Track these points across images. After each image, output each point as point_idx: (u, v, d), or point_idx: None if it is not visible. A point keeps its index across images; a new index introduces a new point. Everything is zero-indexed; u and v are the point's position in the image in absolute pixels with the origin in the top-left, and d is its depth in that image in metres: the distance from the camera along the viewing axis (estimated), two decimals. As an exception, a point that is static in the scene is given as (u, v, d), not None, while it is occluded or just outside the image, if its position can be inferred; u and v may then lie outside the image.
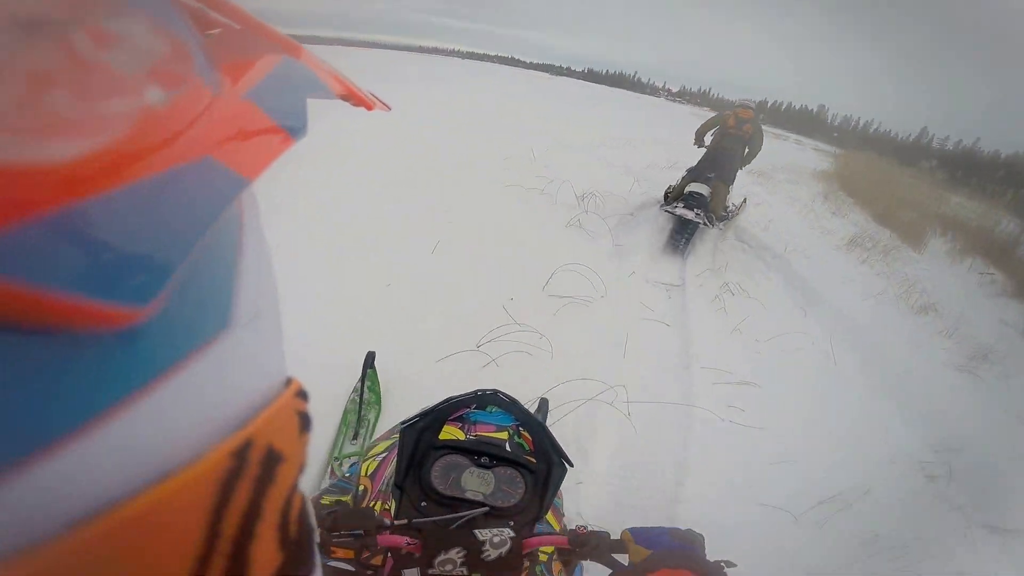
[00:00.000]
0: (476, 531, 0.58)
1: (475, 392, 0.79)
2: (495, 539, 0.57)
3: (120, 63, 0.13)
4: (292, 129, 0.19)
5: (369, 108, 0.27)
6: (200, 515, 0.14)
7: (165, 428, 0.13)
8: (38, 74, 0.11)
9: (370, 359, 1.67)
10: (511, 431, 0.73)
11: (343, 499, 0.76)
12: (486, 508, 0.62)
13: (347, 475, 0.85)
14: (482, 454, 0.68)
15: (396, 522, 0.61)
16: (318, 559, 0.21)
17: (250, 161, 0.16)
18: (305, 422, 0.19)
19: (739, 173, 4.14)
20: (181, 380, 0.14)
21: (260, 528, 0.16)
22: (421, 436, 0.70)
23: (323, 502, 0.75)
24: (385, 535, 0.58)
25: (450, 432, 0.71)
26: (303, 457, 0.19)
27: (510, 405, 0.77)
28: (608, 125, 9.65)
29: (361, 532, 0.58)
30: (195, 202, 0.14)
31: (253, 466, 0.16)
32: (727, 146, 4.01)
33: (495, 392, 0.79)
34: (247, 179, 0.16)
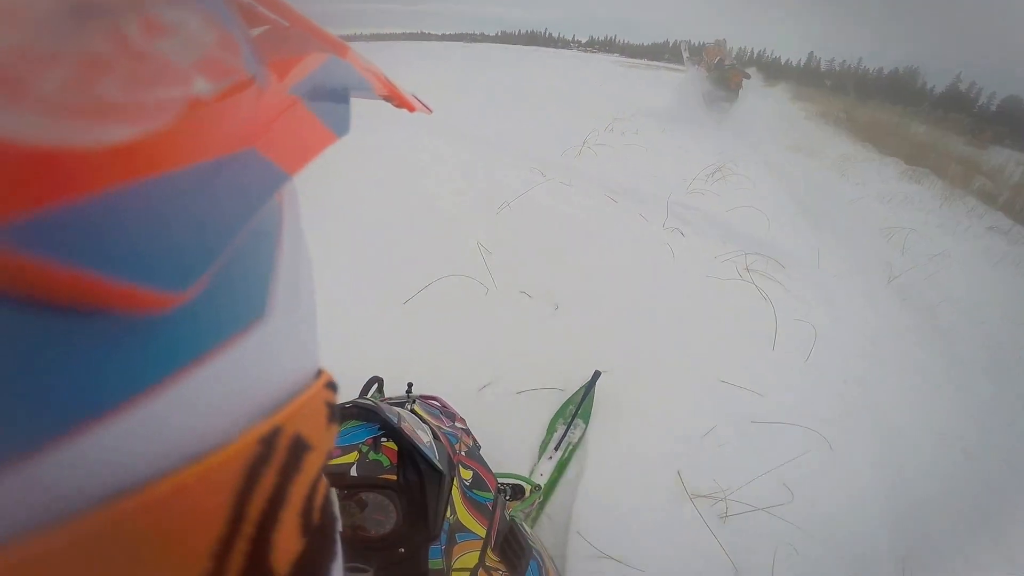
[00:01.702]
0: None
1: None
2: None
3: (170, 52, 0.13)
4: (335, 126, 0.19)
5: (411, 110, 0.27)
6: (226, 498, 0.14)
7: (197, 411, 0.14)
8: (90, 59, 0.11)
9: (375, 383, 1.56)
10: (364, 447, 0.62)
11: None
12: (368, 570, 0.56)
13: None
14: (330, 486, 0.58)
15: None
16: (339, 548, 0.21)
17: (293, 155, 0.16)
18: (334, 413, 0.20)
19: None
20: (215, 366, 0.14)
21: (284, 514, 0.16)
22: None
23: None
24: None
25: None
26: (330, 446, 0.19)
27: (370, 414, 0.64)
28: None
29: None
30: (237, 193, 0.14)
31: (280, 453, 0.16)
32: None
33: (354, 402, 0.67)
34: (288, 173, 0.16)
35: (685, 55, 7.78)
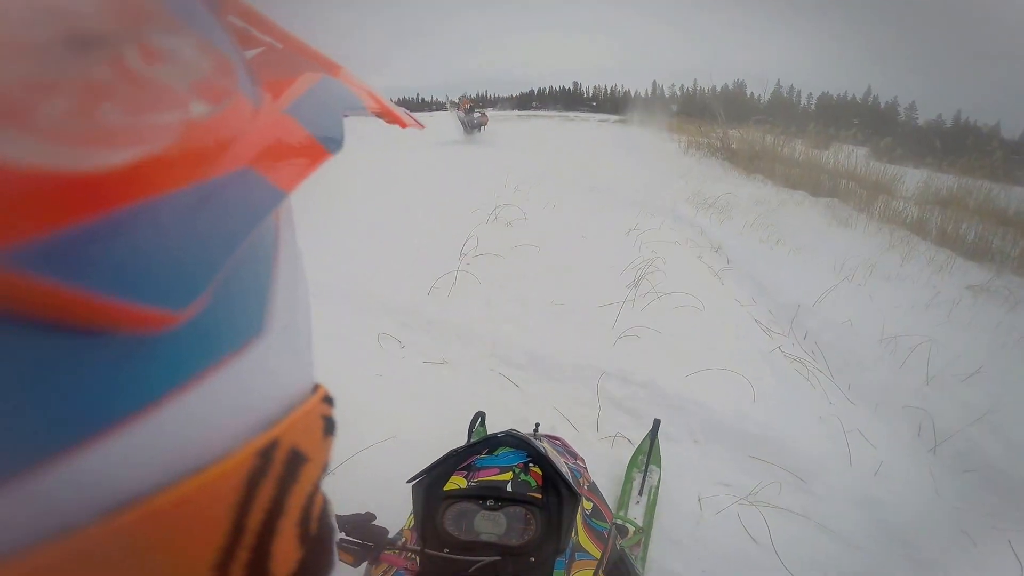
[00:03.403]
0: None
1: (485, 438, 0.82)
2: None
3: (168, 78, 0.13)
4: (329, 144, 0.19)
5: (403, 126, 0.28)
6: (226, 509, 0.14)
7: (197, 426, 0.14)
8: (90, 87, 0.11)
9: (479, 418, 1.63)
10: (517, 470, 0.75)
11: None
12: (497, 558, 0.63)
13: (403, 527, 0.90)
14: (486, 497, 0.71)
15: (408, 546, 0.68)
16: (336, 557, 0.21)
17: (288, 174, 0.16)
18: (330, 426, 0.20)
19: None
20: (214, 382, 0.14)
21: (282, 524, 0.16)
22: (429, 490, 0.72)
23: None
24: (388, 554, 0.65)
25: (455, 482, 0.74)
26: (326, 459, 0.20)
27: (521, 443, 0.78)
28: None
29: (371, 544, 0.66)
30: (234, 212, 0.14)
31: (278, 465, 0.16)
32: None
33: (508, 433, 0.80)
34: (285, 192, 0.16)
35: (448, 105, 11.23)
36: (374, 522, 0.73)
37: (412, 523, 0.80)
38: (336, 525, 0.22)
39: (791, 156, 8.46)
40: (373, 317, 2.87)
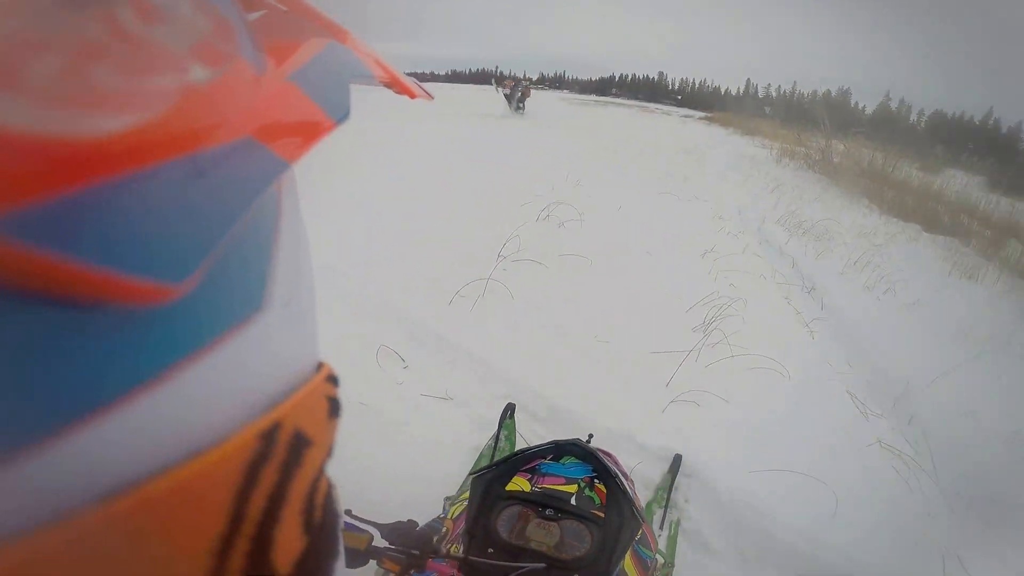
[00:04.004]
0: None
1: (552, 442, 0.79)
2: None
3: (165, 39, 0.12)
4: (335, 113, 0.19)
5: (412, 96, 0.27)
6: (226, 495, 0.14)
7: (195, 407, 0.13)
8: (82, 47, 0.11)
9: (509, 410, 1.62)
10: (582, 483, 0.73)
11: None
12: (542, 566, 0.61)
13: (441, 516, 0.86)
14: (547, 506, 0.68)
15: (451, 554, 0.62)
16: (342, 546, 0.21)
17: (291, 144, 0.16)
18: (335, 407, 0.19)
19: None
20: (213, 360, 0.13)
21: (285, 511, 0.16)
22: (490, 486, 0.71)
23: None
24: (434, 562, 0.60)
25: (518, 483, 0.72)
26: (331, 442, 0.19)
27: (588, 456, 0.77)
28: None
29: (416, 552, 0.62)
30: (234, 182, 0.14)
31: (281, 449, 0.16)
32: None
33: (575, 442, 0.79)
34: (287, 162, 0.16)
35: (492, 83, 12.02)
36: (417, 529, 0.70)
37: (456, 512, 0.79)
38: (341, 512, 0.20)
39: (904, 181, 7.30)
40: (378, 324, 2.41)
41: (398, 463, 1.65)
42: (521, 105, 10.57)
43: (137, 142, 0.11)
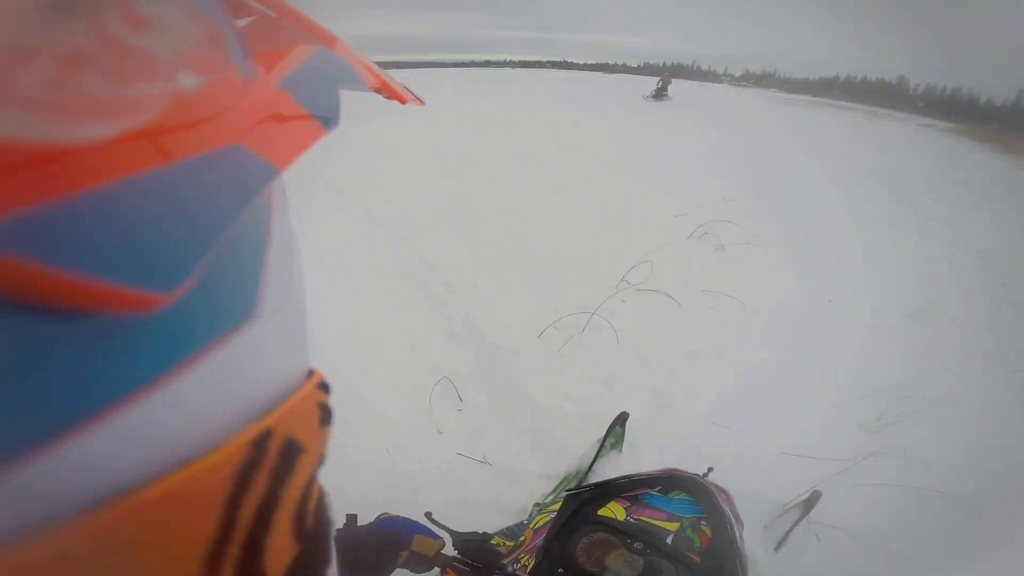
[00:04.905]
0: None
1: (666, 471, 0.74)
2: None
3: (153, 46, 0.12)
4: (325, 119, 0.18)
5: (403, 102, 0.26)
6: (216, 503, 0.14)
7: (186, 415, 0.13)
8: (71, 55, 0.11)
9: (623, 419, 1.53)
10: (687, 523, 0.66)
11: (509, 543, 0.74)
12: None
13: (524, 523, 0.83)
14: (637, 539, 0.63)
15: (514, 571, 0.61)
16: (334, 553, 0.20)
17: (281, 150, 0.16)
18: (326, 414, 0.19)
19: None
20: (204, 367, 0.13)
21: (276, 518, 0.16)
22: (582, 507, 0.68)
23: (493, 541, 0.76)
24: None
25: (613, 510, 0.68)
26: (323, 449, 0.19)
27: (701, 493, 0.70)
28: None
29: (479, 566, 0.62)
30: (224, 190, 0.14)
31: (272, 456, 0.15)
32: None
33: (691, 477, 0.73)
34: (278, 168, 0.16)
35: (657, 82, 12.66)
36: (491, 542, 0.69)
37: (540, 523, 0.75)
38: (332, 519, 0.20)
39: None
40: (445, 351, 2.01)
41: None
42: (665, 92, 11.66)
43: (126, 150, 0.11)
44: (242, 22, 0.20)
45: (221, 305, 0.14)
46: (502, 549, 0.73)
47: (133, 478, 0.12)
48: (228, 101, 0.14)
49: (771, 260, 3.02)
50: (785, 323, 2.42)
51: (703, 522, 0.68)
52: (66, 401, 0.11)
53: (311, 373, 0.19)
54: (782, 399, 1.94)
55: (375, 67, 0.24)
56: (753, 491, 1.47)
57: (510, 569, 0.62)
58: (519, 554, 0.69)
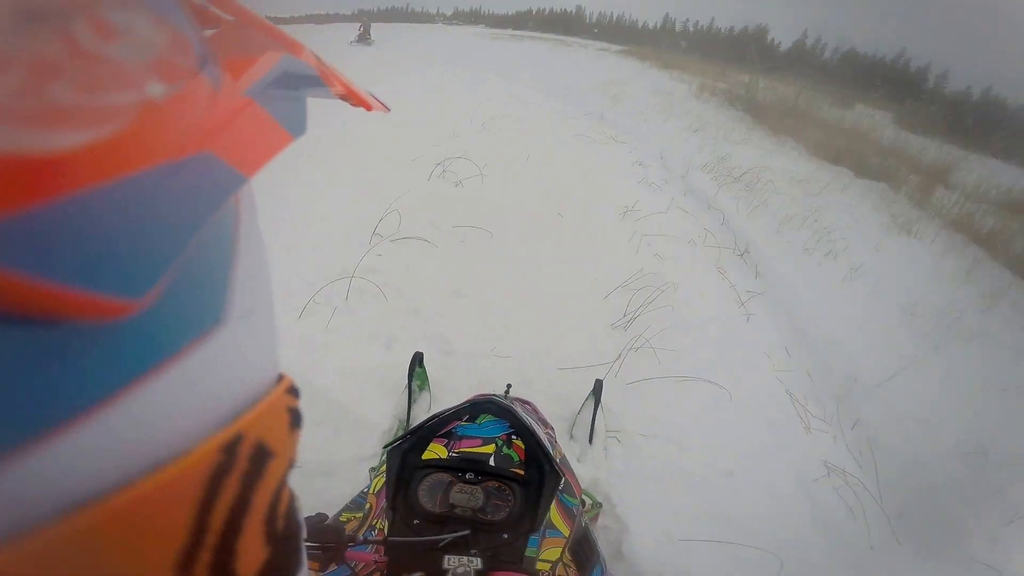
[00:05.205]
0: (446, 556, 0.56)
1: (467, 402, 0.78)
2: (459, 569, 0.55)
3: (121, 55, 0.12)
4: (291, 127, 0.19)
5: (369, 109, 0.27)
6: (187, 509, 0.14)
7: (155, 421, 0.13)
8: (39, 64, 0.11)
9: (418, 359, 1.49)
10: (499, 442, 0.72)
11: (358, 515, 0.74)
12: (467, 532, 0.59)
13: (365, 490, 0.81)
14: (466, 470, 0.67)
15: (368, 539, 0.61)
16: (304, 556, 0.21)
17: (249, 158, 0.16)
18: (296, 418, 0.19)
19: None
20: (173, 374, 0.13)
21: (247, 523, 0.16)
22: (406, 457, 0.69)
23: (341, 519, 0.74)
24: (353, 551, 0.58)
25: (434, 451, 0.71)
26: (293, 453, 0.19)
27: (504, 412, 0.76)
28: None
29: (332, 545, 0.59)
30: (192, 197, 0.14)
31: (242, 461, 0.15)
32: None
33: (490, 399, 0.79)
34: (245, 175, 0.16)
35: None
36: (327, 521, 0.64)
37: (378, 486, 0.75)
38: (304, 522, 0.21)
39: (829, 120, 7.13)
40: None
41: None
42: (368, 37, 11.95)
43: (94, 158, 0.11)
44: (210, 32, 0.20)
45: (190, 310, 0.14)
46: (354, 523, 0.72)
47: (103, 484, 0.12)
48: (196, 109, 0.14)
49: (505, 189, 3.24)
50: (526, 242, 2.64)
51: (514, 436, 0.74)
52: (36, 408, 0.11)
53: (280, 378, 0.19)
54: (550, 305, 2.12)
55: (341, 75, 0.24)
56: (548, 403, 1.59)
57: (363, 539, 0.62)
58: (372, 521, 0.69)
